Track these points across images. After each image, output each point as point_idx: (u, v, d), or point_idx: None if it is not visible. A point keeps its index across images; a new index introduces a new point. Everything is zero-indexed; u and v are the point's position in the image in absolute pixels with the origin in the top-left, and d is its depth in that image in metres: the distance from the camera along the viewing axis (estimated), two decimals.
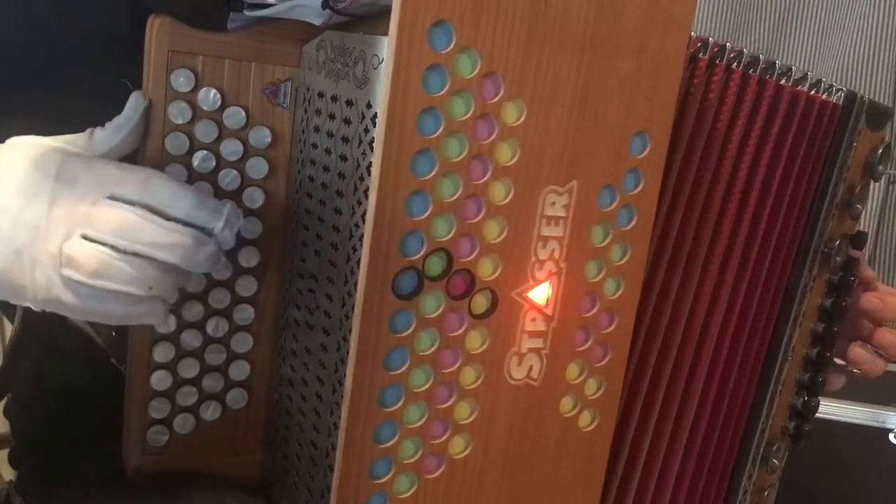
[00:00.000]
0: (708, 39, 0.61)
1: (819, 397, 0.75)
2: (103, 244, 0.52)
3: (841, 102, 0.68)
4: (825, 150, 0.69)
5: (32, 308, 0.55)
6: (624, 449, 0.66)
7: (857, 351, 0.74)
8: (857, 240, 0.74)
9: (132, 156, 0.60)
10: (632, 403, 0.66)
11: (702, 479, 0.72)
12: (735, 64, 0.62)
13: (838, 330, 0.73)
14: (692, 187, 0.63)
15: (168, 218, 0.53)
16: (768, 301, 0.70)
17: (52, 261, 0.52)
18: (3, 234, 0.53)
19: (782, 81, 0.65)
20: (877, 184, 1.21)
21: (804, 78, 0.66)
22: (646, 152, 0.55)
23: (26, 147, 0.56)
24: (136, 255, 0.53)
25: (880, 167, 0.73)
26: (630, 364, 0.63)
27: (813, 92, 0.66)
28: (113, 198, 0.53)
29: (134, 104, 0.60)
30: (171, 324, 0.58)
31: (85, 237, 0.52)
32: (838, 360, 0.76)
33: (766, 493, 0.76)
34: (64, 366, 0.75)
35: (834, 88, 0.67)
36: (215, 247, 0.55)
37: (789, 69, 0.64)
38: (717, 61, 0.61)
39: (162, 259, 0.53)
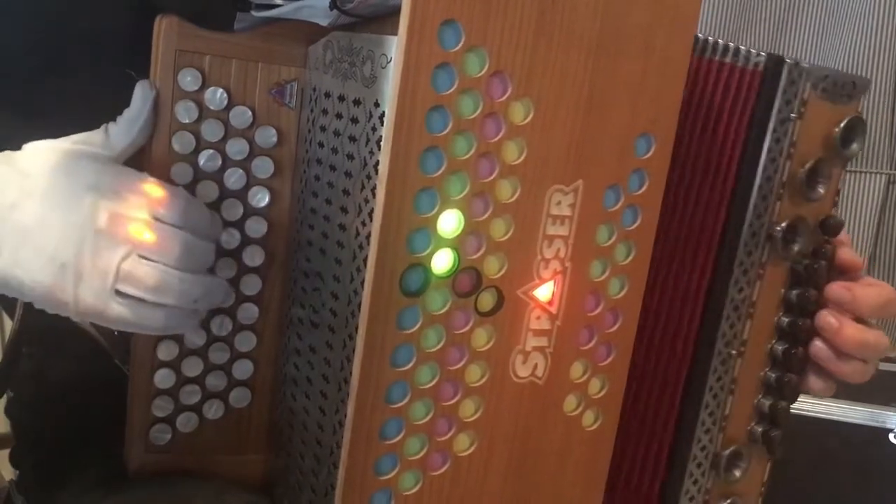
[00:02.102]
0: (698, 37, 0.60)
1: (789, 400, 0.68)
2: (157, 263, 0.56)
3: (761, 69, 0.62)
4: (747, 121, 0.63)
5: (72, 318, 0.57)
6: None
7: (818, 346, 0.66)
8: (828, 225, 0.66)
9: (138, 154, 0.61)
10: None
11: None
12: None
13: (805, 325, 0.65)
14: None
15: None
16: (694, 285, 0.65)
17: (102, 276, 0.55)
18: (47, 251, 0.55)
19: (706, 55, 0.62)
20: (872, 179, 1.19)
21: (726, 49, 0.62)
22: (650, 153, 0.56)
23: (47, 154, 0.56)
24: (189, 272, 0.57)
25: (854, 145, 0.66)
26: None
27: (730, 60, 0.62)
28: (157, 218, 0.57)
29: (142, 95, 0.60)
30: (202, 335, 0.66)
31: (142, 256, 0.56)
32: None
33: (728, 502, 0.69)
34: (65, 366, 0.76)
35: (753, 54, 0.62)
36: None
37: (712, 42, 0.62)
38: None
39: (200, 272, 0.59)
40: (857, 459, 0.75)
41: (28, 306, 0.69)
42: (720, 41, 0.62)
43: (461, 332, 0.53)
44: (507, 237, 0.52)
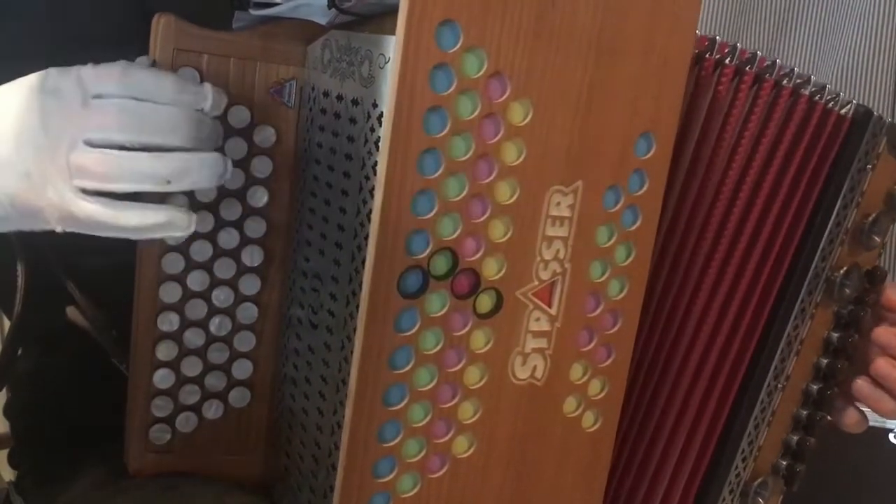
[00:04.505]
0: (715, 38, 0.60)
1: (814, 437, 0.71)
2: (110, 147, 0.51)
3: (850, 115, 0.64)
4: (829, 164, 0.65)
5: (55, 230, 0.53)
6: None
7: (859, 384, 0.70)
8: (874, 275, 0.69)
9: None
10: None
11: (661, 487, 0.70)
12: (749, 66, 0.60)
13: (843, 367, 0.69)
14: (684, 189, 0.62)
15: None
16: (750, 313, 0.66)
17: (62, 174, 0.51)
18: (8, 160, 0.52)
19: (803, 91, 0.62)
20: None
21: (823, 89, 0.63)
22: (651, 153, 0.55)
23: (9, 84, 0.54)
24: (144, 149, 0.51)
25: None
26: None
27: (817, 98, 0.63)
28: (99, 96, 0.51)
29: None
30: (194, 223, 0.55)
31: (88, 143, 0.51)
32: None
33: None
34: (62, 366, 0.76)
35: (842, 99, 0.64)
36: (213, 123, 0.54)
37: (809, 79, 0.62)
38: (728, 61, 0.60)
39: (169, 145, 0.52)
40: (857, 459, 0.74)
41: (25, 306, 0.69)
42: (812, 77, 0.63)
43: (460, 333, 0.53)
44: (505, 238, 0.52)
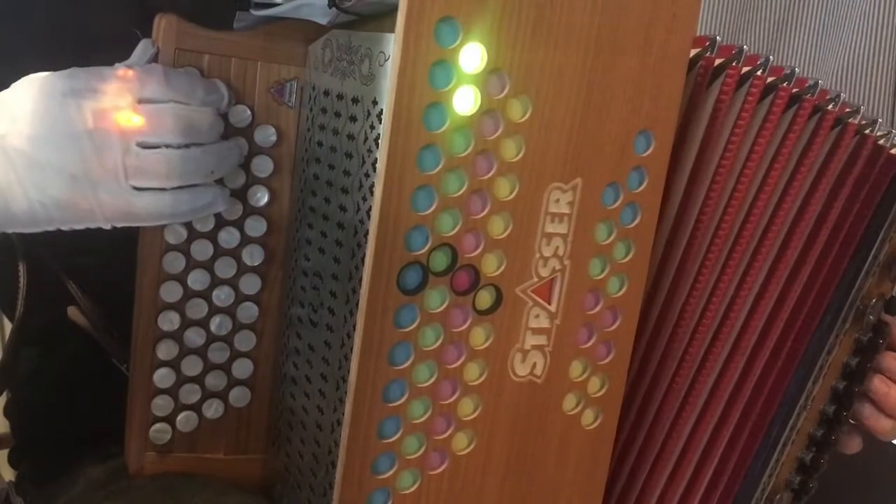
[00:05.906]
0: (742, 48, 0.58)
1: (827, 456, 0.73)
2: (159, 146, 0.55)
3: None
4: (877, 202, 0.66)
5: (102, 227, 0.56)
6: (624, 469, 0.67)
7: (866, 406, 0.72)
8: (891, 304, 0.71)
9: None
10: (636, 425, 0.66)
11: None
12: (786, 83, 0.59)
13: (859, 391, 0.71)
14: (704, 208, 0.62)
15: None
16: (790, 340, 0.68)
17: (114, 176, 0.54)
18: (53, 166, 0.54)
19: (851, 121, 0.62)
20: None
21: (874, 123, 0.63)
22: (650, 150, 0.55)
23: (20, 82, 0.56)
24: (189, 146, 0.56)
25: None
26: (642, 377, 0.64)
27: (868, 131, 0.63)
28: (142, 100, 0.55)
29: (142, 49, 0.60)
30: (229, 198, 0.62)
31: (143, 146, 0.54)
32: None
33: None
34: (64, 366, 0.76)
35: (892, 136, 0.64)
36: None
37: (858, 109, 0.62)
38: (759, 73, 0.58)
39: (209, 141, 0.58)
40: (857, 459, 0.75)
41: (27, 307, 0.69)
42: (861, 107, 0.62)
43: (459, 330, 0.53)
44: (505, 235, 0.52)
